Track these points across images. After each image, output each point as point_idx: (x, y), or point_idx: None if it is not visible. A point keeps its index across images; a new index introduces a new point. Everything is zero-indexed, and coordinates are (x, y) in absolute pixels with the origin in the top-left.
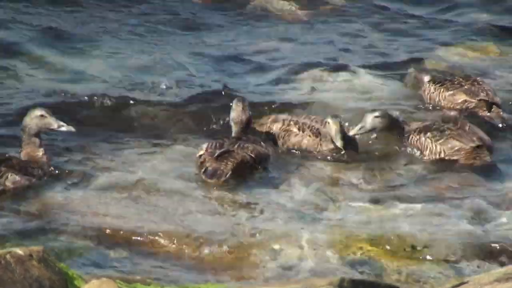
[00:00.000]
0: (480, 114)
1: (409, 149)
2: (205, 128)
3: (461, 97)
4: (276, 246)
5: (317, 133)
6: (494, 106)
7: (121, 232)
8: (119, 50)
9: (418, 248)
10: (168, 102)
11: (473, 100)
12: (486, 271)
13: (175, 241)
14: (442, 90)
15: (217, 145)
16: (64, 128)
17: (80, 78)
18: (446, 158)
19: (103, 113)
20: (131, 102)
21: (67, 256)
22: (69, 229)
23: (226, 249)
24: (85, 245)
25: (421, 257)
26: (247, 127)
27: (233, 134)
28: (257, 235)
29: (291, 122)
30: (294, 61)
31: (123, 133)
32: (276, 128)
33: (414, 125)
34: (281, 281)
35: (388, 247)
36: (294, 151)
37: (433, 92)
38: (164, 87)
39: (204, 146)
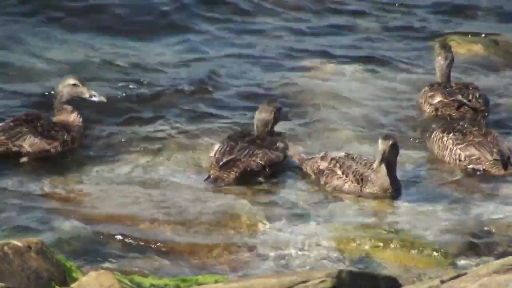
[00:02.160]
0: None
1: (429, 147)
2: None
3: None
4: (274, 241)
5: (360, 179)
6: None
7: (120, 225)
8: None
9: (417, 243)
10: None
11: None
12: (484, 263)
13: (172, 234)
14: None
15: (227, 149)
16: (96, 98)
17: None
18: (463, 164)
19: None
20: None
21: (65, 247)
22: (69, 220)
23: (223, 242)
24: (84, 237)
25: (420, 253)
26: (270, 129)
27: (255, 132)
28: (256, 230)
29: (337, 164)
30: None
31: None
32: (322, 166)
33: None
34: (278, 273)
35: (386, 244)
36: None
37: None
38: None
39: (216, 147)
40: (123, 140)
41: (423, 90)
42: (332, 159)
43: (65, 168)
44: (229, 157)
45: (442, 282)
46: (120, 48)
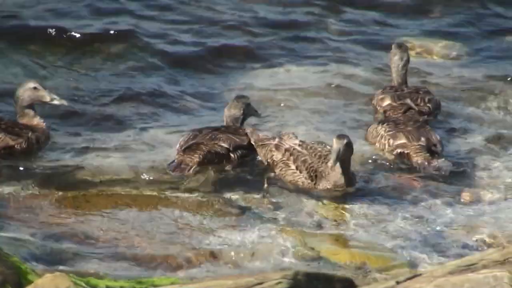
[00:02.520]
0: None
1: (366, 139)
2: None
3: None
4: (230, 244)
5: (314, 176)
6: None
7: (75, 227)
8: None
9: (372, 245)
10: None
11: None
12: (440, 263)
13: (128, 236)
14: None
15: (191, 137)
16: (57, 101)
17: None
18: (391, 150)
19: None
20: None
21: (20, 250)
22: (24, 222)
23: (179, 245)
24: (39, 239)
25: (375, 254)
26: (240, 124)
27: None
28: (212, 231)
29: (291, 157)
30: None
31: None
32: (276, 157)
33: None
34: (234, 275)
35: (342, 245)
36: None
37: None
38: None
39: (182, 138)
40: (83, 144)
41: (377, 92)
42: (286, 150)
43: (27, 169)
44: (192, 142)
45: (398, 283)
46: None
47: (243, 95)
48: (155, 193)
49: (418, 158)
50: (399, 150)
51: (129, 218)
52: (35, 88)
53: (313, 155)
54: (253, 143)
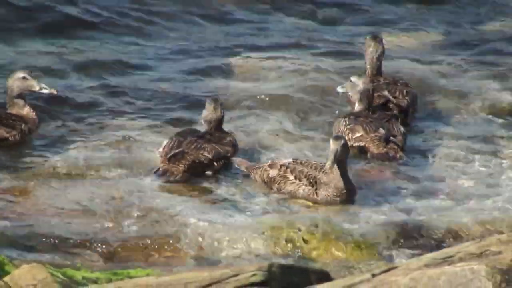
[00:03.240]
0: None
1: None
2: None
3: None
4: (205, 235)
5: (313, 182)
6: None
7: (53, 219)
8: None
9: (348, 237)
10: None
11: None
12: (416, 256)
13: (105, 229)
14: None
15: (175, 144)
16: (46, 90)
17: None
18: (351, 144)
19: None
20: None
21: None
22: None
23: (155, 237)
24: (16, 230)
25: (351, 245)
26: (218, 126)
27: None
28: (188, 224)
29: (288, 169)
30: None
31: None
32: (272, 173)
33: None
34: (210, 267)
35: (317, 238)
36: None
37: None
38: None
39: (164, 143)
40: (67, 134)
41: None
42: (281, 165)
43: (11, 160)
44: (177, 150)
45: (373, 275)
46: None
47: (216, 97)
48: (122, 178)
49: (373, 149)
50: (357, 144)
51: (99, 205)
52: (24, 77)
53: (308, 167)
54: (245, 170)
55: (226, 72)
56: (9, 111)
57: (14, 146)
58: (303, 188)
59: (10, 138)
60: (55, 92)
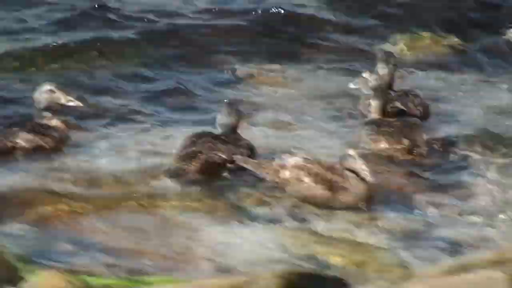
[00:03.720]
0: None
1: None
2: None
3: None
4: (221, 243)
5: (331, 186)
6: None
7: (71, 225)
8: None
9: (367, 245)
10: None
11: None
12: (433, 263)
13: (122, 235)
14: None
15: (189, 143)
16: (73, 103)
17: None
18: (378, 154)
19: None
20: None
21: (15, 248)
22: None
23: (172, 243)
24: (33, 237)
25: (369, 254)
26: (233, 131)
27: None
28: (203, 231)
29: (302, 172)
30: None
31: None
32: (286, 175)
33: None
34: (225, 274)
35: (335, 245)
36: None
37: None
38: None
39: (179, 143)
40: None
41: (363, 97)
42: (293, 166)
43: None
44: (190, 149)
45: (392, 283)
46: None
47: (233, 102)
48: (147, 192)
49: (398, 156)
50: (382, 154)
51: (121, 217)
52: (51, 90)
53: (323, 168)
54: (252, 169)
55: None
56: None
57: (46, 153)
58: (321, 193)
59: (45, 145)
60: (81, 104)
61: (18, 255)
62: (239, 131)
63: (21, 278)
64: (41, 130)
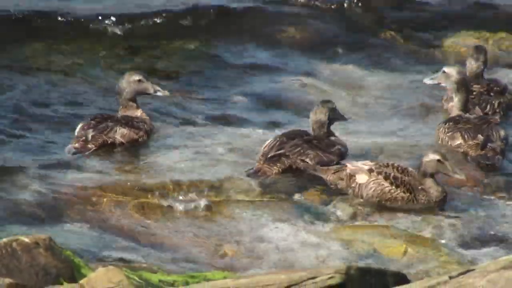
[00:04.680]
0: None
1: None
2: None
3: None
4: (282, 239)
5: (411, 189)
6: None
7: (129, 221)
8: None
9: (425, 239)
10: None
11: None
12: (493, 258)
13: (181, 231)
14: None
15: (277, 143)
16: (160, 93)
17: None
18: (455, 151)
19: None
20: None
21: (74, 244)
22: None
23: (230, 239)
24: (92, 233)
25: (428, 248)
26: (327, 130)
27: (316, 133)
28: (263, 227)
29: (380, 176)
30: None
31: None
32: (362, 179)
33: None
34: (287, 269)
35: (395, 240)
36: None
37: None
38: None
39: (267, 142)
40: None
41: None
42: (369, 170)
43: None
44: (277, 152)
45: (451, 278)
46: None
47: (328, 100)
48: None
49: (471, 153)
50: (457, 150)
51: (183, 214)
52: (139, 80)
53: (395, 170)
54: (316, 173)
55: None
56: (121, 113)
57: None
58: (402, 196)
59: (139, 140)
60: (168, 93)
61: (77, 252)
62: (334, 132)
63: (81, 274)
64: (134, 124)
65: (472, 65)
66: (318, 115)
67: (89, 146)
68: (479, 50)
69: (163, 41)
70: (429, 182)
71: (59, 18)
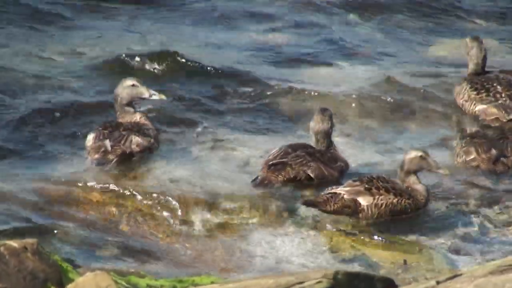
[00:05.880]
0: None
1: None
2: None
3: (492, 113)
4: (269, 243)
5: (408, 195)
6: None
7: (117, 227)
8: None
9: (413, 244)
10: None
11: (503, 120)
12: (481, 263)
13: (169, 237)
14: (474, 102)
15: (281, 153)
16: (156, 96)
17: None
18: (467, 165)
19: None
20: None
21: (62, 248)
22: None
23: (219, 244)
24: (80, 238)
25: (416, 253)
26: (327, 138)
27: (313, 144)
28: (252, 232)
29: (381, 191)
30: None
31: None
32: (366, 201)
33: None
34: (275, 273)
35: (382, 245)
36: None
37: (466, 101)
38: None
39: (273, 151)
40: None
41: (462, 86)
42: (368, 189)
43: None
44: (280, 160)
45: (438, 282)
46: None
47: (326, 108)
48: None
49: (483, 167)
50: (470, 165)
51: (172, 219)
52: (133, 85)
53: (380, 181)
54: (322, 208)
55: None
56: (120, 120)
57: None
58: (408, 203)
59: (152, 147)
60: (164, 98)
61: (65, 256)
62: (335, 144)
63: (69, 279)
64: (145, 131)
65: (478, 53)
66: (322, 124)
67: (110, 157)
68: (479, 40)
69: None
70: (413, 179)
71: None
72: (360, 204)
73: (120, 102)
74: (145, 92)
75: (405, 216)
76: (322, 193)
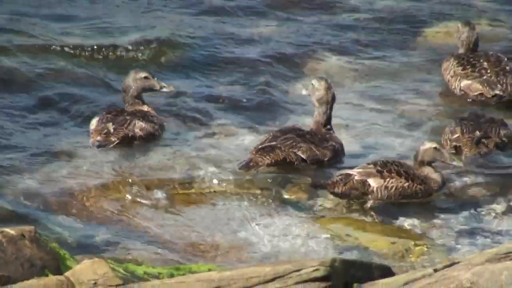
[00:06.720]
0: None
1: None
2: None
3: (477, 89)
4: (267, 231)
5: (421, 181)
6: None
7: (115, 214)
8: None
9: (410, 232)
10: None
11: (488, 95)
12: (478, 251)
13: (167, 224)
14: (459, 78)
15: (270, 137)
16: (166, 89)
17: None
18: (451, 145)
19: None
20: None
21: (59, 236)
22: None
23: (216, 232)
24: (78, 226)
25: (413, 241)
26: (331, 108)
27: (316, 118)
28: (250, 220)
29: (393, 173)
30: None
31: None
32: (376, 182)
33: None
34: (272, 262)
35: (380, 233)
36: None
37: (452, 76)
38: None
39: (262, 137)
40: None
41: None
42: (380, 171)
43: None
44: (269, 144)
45: (436, 270)
46: None
47: (322, 76)
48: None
49: (466, 151)
50: (454, 144)
51: (170, 208)
52: (145, 77)
53: (395, 166)
54: (329, 190)
55: None
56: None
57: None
58: (420, 188)
59: (156, 134)
60: (174, 89)
61: (63, 244)
62: (331, 125)
63: (66, 266)
64: (149, 118)
65: (469, 34)
66: (323, 92)
67: (112, 139)
68: (470, 25)
69: None
70: (428, 169)
71: None
72: (370, 185)
73: (132, 93)
74: (156, 84)
75: (416, 200)
76: (334, 174)
